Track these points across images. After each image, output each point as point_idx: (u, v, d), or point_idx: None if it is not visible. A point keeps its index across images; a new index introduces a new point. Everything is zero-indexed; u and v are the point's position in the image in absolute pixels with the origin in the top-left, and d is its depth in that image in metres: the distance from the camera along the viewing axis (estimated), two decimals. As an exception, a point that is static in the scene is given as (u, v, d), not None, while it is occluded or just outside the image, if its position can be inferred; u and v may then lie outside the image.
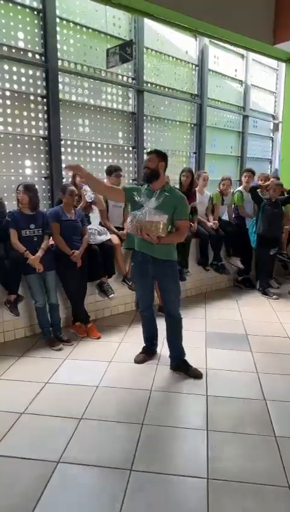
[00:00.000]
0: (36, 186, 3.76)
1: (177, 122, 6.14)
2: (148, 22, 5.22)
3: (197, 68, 6.24)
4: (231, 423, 2.54)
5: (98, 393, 2.88)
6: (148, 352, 3.50)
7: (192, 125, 6.36)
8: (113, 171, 4.46)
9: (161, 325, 3.39)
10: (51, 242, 3.76)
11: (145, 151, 5.55)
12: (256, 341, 3.86)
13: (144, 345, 3.53)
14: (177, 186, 5.02)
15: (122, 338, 3.88)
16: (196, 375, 3.15)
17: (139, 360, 3.41)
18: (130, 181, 5.55)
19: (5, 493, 1.97)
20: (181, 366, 3.22)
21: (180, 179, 4.96)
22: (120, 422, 2.54)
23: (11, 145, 4.32)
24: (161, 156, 3.05)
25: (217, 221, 5.36)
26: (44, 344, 3.68)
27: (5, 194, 4.23)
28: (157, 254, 3.05)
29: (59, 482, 2.04)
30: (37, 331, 3.85)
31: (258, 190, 5.35)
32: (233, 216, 5.83)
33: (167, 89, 5.86)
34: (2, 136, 4.24)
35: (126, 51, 4.17)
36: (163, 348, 3.58)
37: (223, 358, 3.49)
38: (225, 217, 5.79)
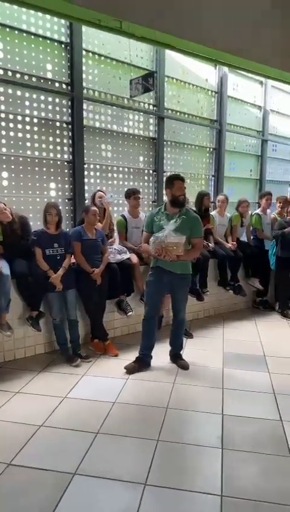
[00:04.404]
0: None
1: (197, 147, 6.31)
2: (169, 52, 5.46)
3: (216, 95, 6.44)
4: (247, 442, 2.54)
5: (115, 409, 2.92)
6: (140, 363, 3.61)
7: (211, 150, 6.52)
8: (131, 194, 4.62)
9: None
10: (72, 260, 3.90)
11: (165, 174, 5.73)
12: (274, 362, 3.84)
13: (137, 355, 3.66)
14: (194, 207, 5.15)
15: (139, 356, 3.92)
16: (183, 366, 3.64)
17: (129, 368, 3.54)
18: (150, 203, 5.70)
19: (22, 503, 2.03)
20: (176, 356, 3.75)
21: (202, 202, 5.06)
22: (136, 438, 2.58)
23: (37, 168, 4.55)
24: None
25: (235, 242, 5.42)
26: (63, 360, 3.77)
27: (30, 215, 4.43)
28: (175, 269, 3.43)
29: (74, 493, 2.09)
30: (57, 347, 3.95)
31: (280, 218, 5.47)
32: (251, 238, 5.87)
33: (186, 115, 6.07)
34: (29, 160, 4.48)
35: (148, 81, 4.40)
36: (179, 368, 3.63)
37: (240, 378, 3.48)
38: (244, 238, 5.84)
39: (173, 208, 3.44)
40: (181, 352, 3.82)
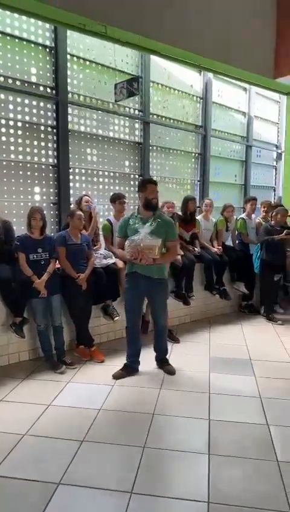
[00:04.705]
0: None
1: (182, 152, 6.34)
2: (154, 58, 5.49)
3: (201, 101, 6.49)
4: (233, 447, 2.52)
5: (101, 416, 2.88)
6: (128, 369, 3.60)
7: (196, 155, 6.56)
8: (117, 199, 4.61)
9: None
10: (57, 265, 3.85)
11: (141, 178, 5.74)
12: (260, 366, 3.85)
13: (125, 362, 3.64)
14: (180, 212, 5.16)
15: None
16: (169, 371, 3.61)
17: (117, 376, 3.52)
18: (136, 207, 5.67)
19: (5, 514, 1.97)
20: (162, 361, 3.72)
21: (187, 206, 5.08)
22: (122, 445, 2.54)
23: (21, 172, 4.50)
24: None
25: (221, 247, 5.44)
26: (47, 367, 3.70)
27: (14, 219, 4.37)
28: (151, 273, 3.40)
29: (59, 504, 2.03)
30: (41, 353, 3.88)
31: (265, 222, 5.54)
32: (237, 242, 5.91)
33: (172, 121, 6.09)
34: (13, 164, 4.42)
35: (133, 85, 4.41)
36: (165, 373, 3.61)
37: (226, 382, 3.48)
38: (229, 243, 5.88)
39: (146, 212, 3.44)
40: (167, 357, 3.80)
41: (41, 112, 4.60)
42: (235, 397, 3.21)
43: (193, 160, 6.56)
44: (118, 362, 3.75)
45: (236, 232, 5.91)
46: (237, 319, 5.48)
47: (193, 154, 6.53)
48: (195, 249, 5.12)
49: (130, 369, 3.60)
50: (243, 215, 5.96)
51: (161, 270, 3.48)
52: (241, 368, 3.81)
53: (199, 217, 5.48)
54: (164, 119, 5.97)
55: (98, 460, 2.40)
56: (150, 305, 3.64)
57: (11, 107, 4.35)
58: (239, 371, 3.74)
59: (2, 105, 4.28)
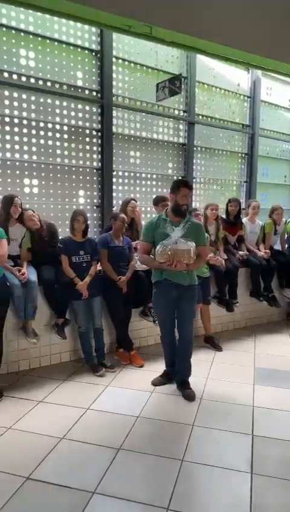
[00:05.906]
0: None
1: (228, 152, 6.16)
2: (200, 57, 5.37)
3: (249, 99, 6.27)
4: (278, 467, 2.35)
5: (138, 424, 2.81)
6: (168, 376, 3.49)
7: (243, 155, 6.34)
8: (160, 201, 4.52)
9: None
10: (99, 268, 3.84)
11: (195, 180, 5.60)
12: (309, 380, 3.61)
13: (165, 368, 3.54)
14: (224, 215, 5.00)
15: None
16: (188, 396, 3.21)
17: (155, 383, 3.44)
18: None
19: (39, 520, 1.95)
20: (183, 384, 3.31)
21: (227, 209, 4.94)
22: (159, 457, 2.45)
23: (66, 176, 4.56)
24: None
25: (268, 251, 5.19)
26: (87, 369, 3.70)
27: (60, 222, 4.44)
28: (183, 280, 3.14)
29: (93, 514, 1.99)
30: (82, 355, 3.89)
31: None
32: (286, 246, 5.61)
33: (218, 121, 5.94)
34: (59, 167, 4.50)
35: (175, 84, 4.32)
36: (207, 383, 3.48)
37: (272, 396, 3.28)
38: (278, 247, 5.60)
39: (175, 217, 3.13)
40: (208, 366, 3.66)
41: (87, 116, 4.65)
42: (282, 412, 3.01)
43: (240, 160, 6.36)
44: (158, 368, 3.67)
45: (286, 236, 5.61)
46: (285, 328, 5.20)
47: (240, 155, 6.33)
48: (240, 252, 4.93)
49: (170, 376, 3.49)
50: (293, 218, 5.66)
51: (192, 276, 3.20)
52: (289, 380, 3.59)
53: (244, 220, 5.27)
54: (209, 119, 5.83)
55: (134, 470, 2.33)
56: (177, 316, 3.31)
57: (57, 111, 4.43)
58: (286, 383, 3.52)
59: (49, 109, 4.37)
